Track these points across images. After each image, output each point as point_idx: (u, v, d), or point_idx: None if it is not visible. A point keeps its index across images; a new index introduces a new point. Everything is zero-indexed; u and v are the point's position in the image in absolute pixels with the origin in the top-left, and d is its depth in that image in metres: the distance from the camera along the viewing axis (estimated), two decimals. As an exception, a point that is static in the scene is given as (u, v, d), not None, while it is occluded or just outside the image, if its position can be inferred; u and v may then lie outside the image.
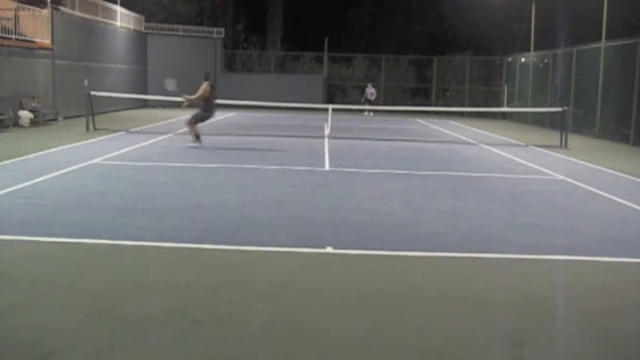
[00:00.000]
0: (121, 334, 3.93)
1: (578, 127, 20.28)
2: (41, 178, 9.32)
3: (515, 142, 18.06)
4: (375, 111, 28.74)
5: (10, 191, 8.29)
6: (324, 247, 6.02)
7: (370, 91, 29.96)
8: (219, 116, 25.14)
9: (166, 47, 32.03)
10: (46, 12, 20.63)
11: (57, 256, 5.59)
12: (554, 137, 17.75)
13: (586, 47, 21.30)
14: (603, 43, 19.76)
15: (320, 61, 35.07)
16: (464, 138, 18.99)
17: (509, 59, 30.66)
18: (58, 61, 21.24)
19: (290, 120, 24.57)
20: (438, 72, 34.54)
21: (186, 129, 14.51)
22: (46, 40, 20.52)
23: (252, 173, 10.59)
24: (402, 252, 5.97)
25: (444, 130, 21.94)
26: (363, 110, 28.59)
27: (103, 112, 22.23)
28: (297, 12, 40.55)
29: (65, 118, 20.31)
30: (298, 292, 4.81)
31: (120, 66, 27.91)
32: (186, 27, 33.71)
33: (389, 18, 41.91)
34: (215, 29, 34.23)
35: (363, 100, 29.80)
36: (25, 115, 18.11)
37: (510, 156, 14.36)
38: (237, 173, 10.51)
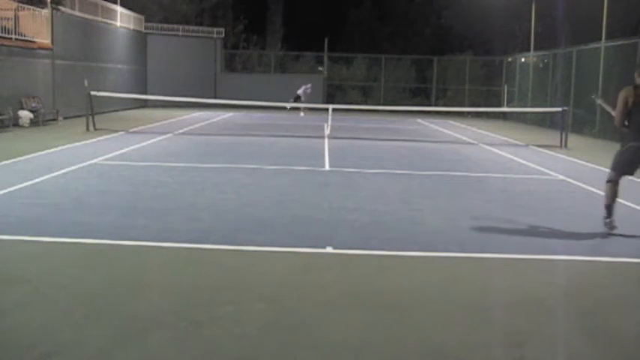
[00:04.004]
0: (121, 334, 3.93)
1: (578, 127, 20.28)
2: (41, 178, 9.33)
3: (515, 142, 18.06)
4: (307, 109, 27.08)
5: (10, 191, 8.29)
6: (324, 247, 6.02)
7: (307, 90, 27.81)
8: (220, 116, 25.18)
9: (166, 47, 32.03)
10: (46, 12, 20.63)
11: (57, 256, 5.60)
12: (554, 137, 17.75)
13: (586, 47, 21.30)
14: (603, 43, 19.76)
15: (320, 61, 35.07)
16: (464, 138, 18.99)
17: (509, 59, 30.67)
18: (58, 61, 21.24)
19: (290, 120, 24.57)
20: (438, 72, 34.55)
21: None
22: (46, 40, 20.52)
23: (252, 173, 10.59)
24: (402, 252, 5.97)
25: (444, 130, 21.94)
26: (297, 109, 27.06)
27: (103, 112, 22.23)
28: (297, 12, 40.57)
29: (65, 118, 20.31)
30: (298, 292, 4.81)
31: (120, 66, 27.91)
32: (186, 27, 33.71)
33: (389, 18, 41.91)
34: (215, 29, 34.24)
35: (294, 97, 27.46)
36: (25, 115, 18.11)
37: (510, 156, 14.36)
38: (237, 173, 10.51)
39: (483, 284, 5.19)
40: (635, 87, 6.80)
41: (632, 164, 6.96)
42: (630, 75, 19.37)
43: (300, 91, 27.86)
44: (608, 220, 6.93)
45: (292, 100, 26.93)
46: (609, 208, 6.96)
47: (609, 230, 6.86)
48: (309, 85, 28.30)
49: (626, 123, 6.84)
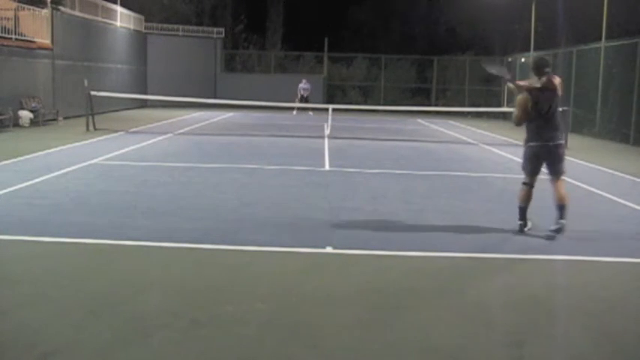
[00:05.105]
0: (121, 334, 3.93)
1: (578, 127, 20.28)
2: (41, 178, 9.33)
3: (516, 142, 18.02)
4: (312, 109, 27.11)
5: (10, 191, 8.29)
6: (324, 247, 6.02)
7: (304, 87, 28.15)
8: (220, 116, 25.19)
9: (166, 47, 32.03)
10: (46, 12, 20.63)
11: (57, 256, 5.59)
12: (554, 137, 17.72)
13: (586, 47, 21.30)
14: (603, 43, 19.76)
15: (320, 61, 35.07)
16: (464, 138, 18.98)
17: (509, 59, 30.66)
18: (58, 61, 21.24)
19: (290, 120, 24.58)
20: (438, 72, 34.53)
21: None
22: (46, 40, 20.51)
23: (252, 173, 10.59)
24: (402, 252, 5.98)
25: (444, 130, 21.94)
26: (304, 109, 27.14)
27: (103, 112, 22.23)
28: (297, 12, 40.56)
29: (65, 118, 20.30)
30: (298, 292, 4.81)
31: (120, 66, 27.91)
32: (186, 27, 33.70)
33: (389, 18, 41.92)
34: (215, 29, 34.23)
35: (298, 98, 27.64)
36: (25, 115, 18.11)
37: (510, 156, 14.35)
38: (237, 173, 10.51)
39: (483, 284, 5.19)
40: (533, 88, 6.80)
41: (532, 163, 6.83)
42: (630, 75, 19.20)
43: (300, 92, 27.97)
44: (520, 222, 6.83)
45: (298, 102, 27.02)
46: (521, 210, 6.86)
47: (520, 231, 6.78)
48: (302, 82, 28.43)
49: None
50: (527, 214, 6.91)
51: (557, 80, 6.75)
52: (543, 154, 6.75)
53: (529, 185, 6.88)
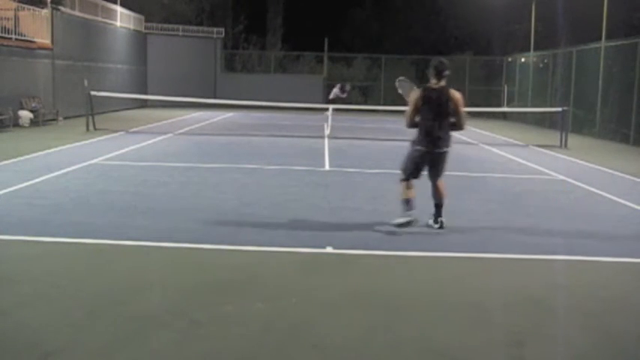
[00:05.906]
0: (121, 334, 3.93)
1: (578, 127, 20.28)
2: (41, 178, 9.33)
3: (515, 142, 18.06)
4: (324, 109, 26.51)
5: (10, 191, 8.29)
6: (324, 247, 6.02)
7: (336, 92, 28.05)
8: (220, 116, 25.18)
9: (166, 47, 32.03)
10: (46, 12, 20.63)
11: (57, 256, 5.59)
12: (554, 137, 17.74)
13: (586, 47, 21.31)
14: (603, 43, 19.77)
15: (320, 61, 35.06)
16: (464, 138, 18.94)
17: (509, 59, 30.67)
18: (58, 61, 21.24)
19: (290, 120, 24.57)
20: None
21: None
22: (46, 40, 20.51)
23: (252, 173, 10.59)
24: (402, 252, 5.98)
25: (444, 130, 21.89)
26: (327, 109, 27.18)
27: (103, 112, 22.24)
28: (297, 12, 40.55)
29: (65, 118, 20.30)
30: (298, 292, 4.80)
31: (120, 66, 27.91)
32: (186, 27, 33.70)
33: (389, 18, 41.91)
34: (215, 29, 34.23)
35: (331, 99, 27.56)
36: (25, 115, 18.11)
37: (510, 156, 14.36)
38: (237, 173, 10.51)
39: (483, 284, 5.19)
40: (425, 89, 6.72)
41: (417, 168, 6.77)
42: (630, 75, 19.25)
43: (333, 96, 27.83)
44: (407, 212, 6.69)
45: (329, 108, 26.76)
46: (406, 202, 6.72)
47: (409, 222, 6.65)
48: (335, 87, 28.18)
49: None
50: (532, 216, 6.90)
51: (457, 94, 6.68)
52: (427, 160, 6.75)
53: (408, 180, 6.79)
